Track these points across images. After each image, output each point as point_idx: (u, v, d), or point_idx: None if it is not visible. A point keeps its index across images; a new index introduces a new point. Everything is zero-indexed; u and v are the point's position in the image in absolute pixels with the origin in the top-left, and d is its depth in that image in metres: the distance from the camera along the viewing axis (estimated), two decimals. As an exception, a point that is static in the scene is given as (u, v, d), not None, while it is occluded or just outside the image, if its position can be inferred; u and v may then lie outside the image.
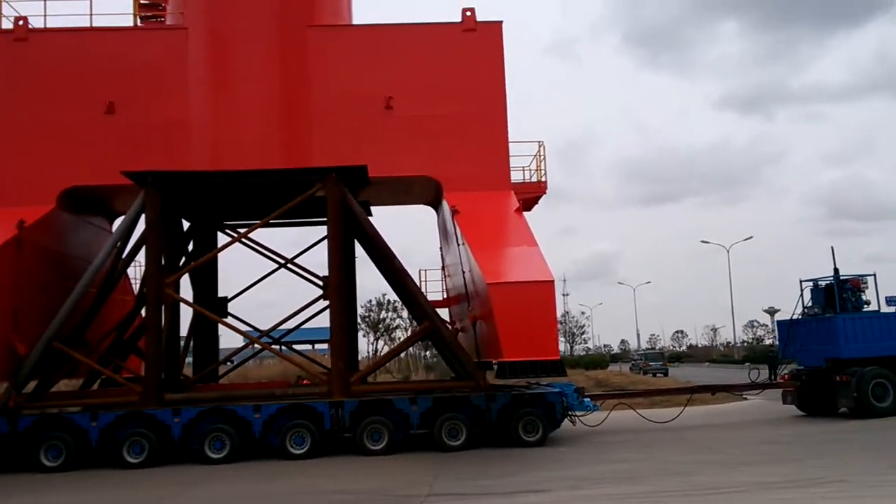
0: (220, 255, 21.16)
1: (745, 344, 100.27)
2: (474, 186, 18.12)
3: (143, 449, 16.15)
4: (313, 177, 17.62)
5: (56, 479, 15.01)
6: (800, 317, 21.49)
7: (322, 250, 18.37)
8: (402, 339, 51.85)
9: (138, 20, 20.15)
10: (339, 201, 17.52)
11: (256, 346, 20.10)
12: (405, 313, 60.31)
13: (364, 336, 65.88)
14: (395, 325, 58.46)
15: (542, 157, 19.80)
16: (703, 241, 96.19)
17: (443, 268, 23.15)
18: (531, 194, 19.40)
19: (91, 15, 19.07)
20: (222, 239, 22.13)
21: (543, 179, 19.72)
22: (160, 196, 17.46)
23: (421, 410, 16.65)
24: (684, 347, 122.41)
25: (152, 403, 16.56)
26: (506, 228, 17.06)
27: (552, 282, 15.03)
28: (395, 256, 17.99)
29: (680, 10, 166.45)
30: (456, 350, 17.45)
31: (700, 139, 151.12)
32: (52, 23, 19.20)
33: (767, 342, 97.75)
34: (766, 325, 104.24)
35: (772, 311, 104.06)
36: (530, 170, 19.99)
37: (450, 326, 19.94)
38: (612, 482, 11.88)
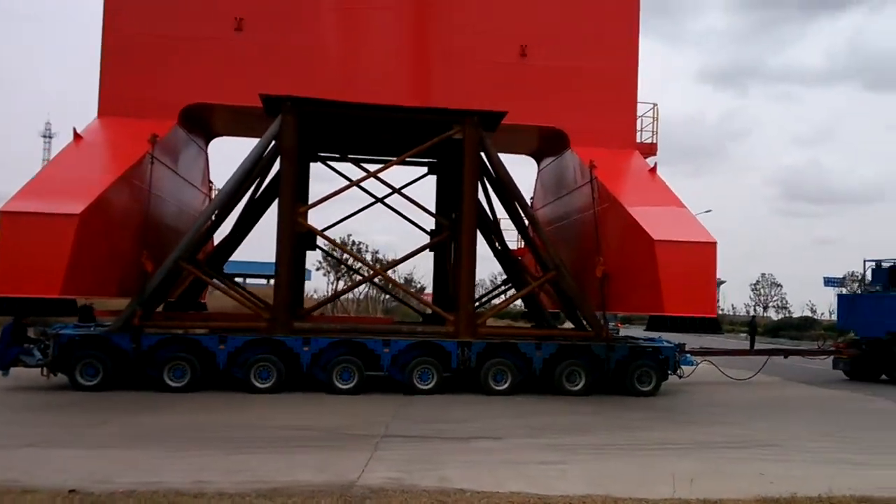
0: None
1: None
2: (600, 142, 18.37)
3: (270, 374, 16.15)
4: (452, 118, 17.51)
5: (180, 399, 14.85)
6: (861, 292, 23.27)
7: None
8: (357, 281, 49.54)
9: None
10: (476, 144, 17.51)
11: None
12: (369, 257, 59.59)
13: (325, 275, 65.28)
14: (356, 266, 57.21)
15: (655, 119, 20.14)
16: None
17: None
18: (643, 156, 19.72)
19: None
20: (314, 168, 21.85)
21: (655, 142, 20.10)
22: (297, 123, 17.06)
23: (544, 356, 17.14)
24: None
25: (282, 330, 16.46)
26: (647, 187, 17.38)
27: (715, 243, 15.56)
28: (526, 203, 18.17)
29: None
30: (578, 300, 17.87)
31: (678, 110, 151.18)
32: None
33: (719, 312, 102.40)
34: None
35: (718, 283, 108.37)
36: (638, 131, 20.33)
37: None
38: (568, 433, 12.32)
